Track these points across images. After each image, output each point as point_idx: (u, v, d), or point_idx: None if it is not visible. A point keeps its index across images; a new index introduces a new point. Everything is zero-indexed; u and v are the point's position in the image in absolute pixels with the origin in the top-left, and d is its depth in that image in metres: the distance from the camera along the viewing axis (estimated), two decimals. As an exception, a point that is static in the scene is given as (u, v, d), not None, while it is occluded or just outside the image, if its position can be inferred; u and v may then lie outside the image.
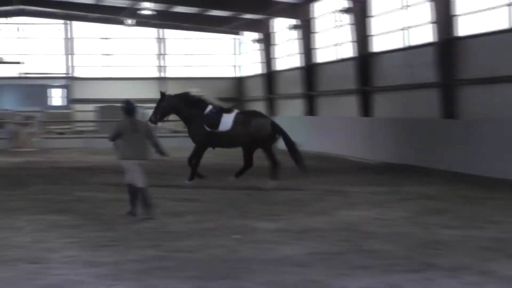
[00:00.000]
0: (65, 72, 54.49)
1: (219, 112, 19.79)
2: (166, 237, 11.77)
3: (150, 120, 20.02)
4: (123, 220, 13.43)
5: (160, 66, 55.39)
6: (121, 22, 50.80)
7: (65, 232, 12.22)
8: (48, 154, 32.19)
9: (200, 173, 19.93)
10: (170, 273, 9.22)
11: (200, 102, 20.14)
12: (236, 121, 19.59)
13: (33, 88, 51.79)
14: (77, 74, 54.54)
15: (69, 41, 54.66)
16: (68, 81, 53.73)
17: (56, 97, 53.33)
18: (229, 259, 10.10)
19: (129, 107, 14.06)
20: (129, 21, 50.17)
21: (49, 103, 52.59)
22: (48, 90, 52.79)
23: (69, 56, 54.75)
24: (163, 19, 49.50)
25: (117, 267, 9.54)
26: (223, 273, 9.27)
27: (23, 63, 53.04)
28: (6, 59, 52.55)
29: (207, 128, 19.65)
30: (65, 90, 53.43)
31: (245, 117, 19.95)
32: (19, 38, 54.01)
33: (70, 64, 54.72)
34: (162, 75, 55.10)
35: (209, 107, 19.95)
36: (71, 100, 52.83)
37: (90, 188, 18.99)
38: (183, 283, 8.74)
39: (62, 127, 46.31)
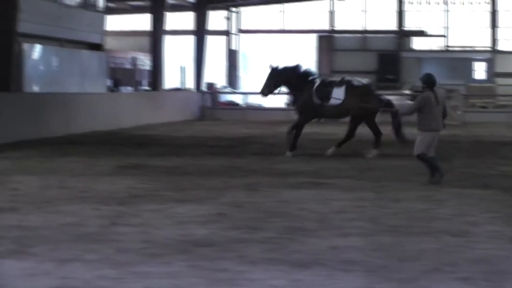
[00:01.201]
0: (489, 45, 53.97)
1: (329, 85, 20.14)
2: None
3: (262, 92, 20.69)
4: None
5: None
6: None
7: (489, 207, 12.09)
8: (470, 128, 32.11)
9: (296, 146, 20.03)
10: None
11: (308, 75, 20.61)
12: (347, 94, 19.69)
13: (456, 61, 51.93)
14: (500, 47, 53.75)
15: (494, 14, 54.00)
16: (491, 55, 53.12)
17: (479, 70, 53.01)
18: None
19: (432, 80, 14.47)
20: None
21: (472, 77, 52.39)
22: (472, 63, 52.56)
23: (493, 29, 54.13)
24: None
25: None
26: None
27: (446, 36, 53.45)
28: (429, 32, 53.32)
29: (317, 101, 19.80)
30: (488, 64, 52.91)
31: (357, 90, 20.07)
32: (443, 11, 54.46)
33: (494, 37, 54.09)
34: None
35: (318, 81, 20.34)
36: (494, 74, 52.12)
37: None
38: None
39: (484, 101, 45.83)
